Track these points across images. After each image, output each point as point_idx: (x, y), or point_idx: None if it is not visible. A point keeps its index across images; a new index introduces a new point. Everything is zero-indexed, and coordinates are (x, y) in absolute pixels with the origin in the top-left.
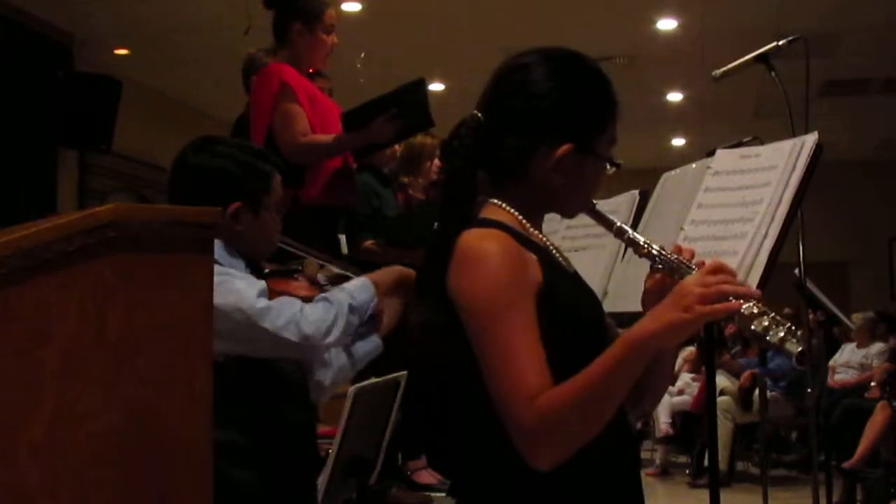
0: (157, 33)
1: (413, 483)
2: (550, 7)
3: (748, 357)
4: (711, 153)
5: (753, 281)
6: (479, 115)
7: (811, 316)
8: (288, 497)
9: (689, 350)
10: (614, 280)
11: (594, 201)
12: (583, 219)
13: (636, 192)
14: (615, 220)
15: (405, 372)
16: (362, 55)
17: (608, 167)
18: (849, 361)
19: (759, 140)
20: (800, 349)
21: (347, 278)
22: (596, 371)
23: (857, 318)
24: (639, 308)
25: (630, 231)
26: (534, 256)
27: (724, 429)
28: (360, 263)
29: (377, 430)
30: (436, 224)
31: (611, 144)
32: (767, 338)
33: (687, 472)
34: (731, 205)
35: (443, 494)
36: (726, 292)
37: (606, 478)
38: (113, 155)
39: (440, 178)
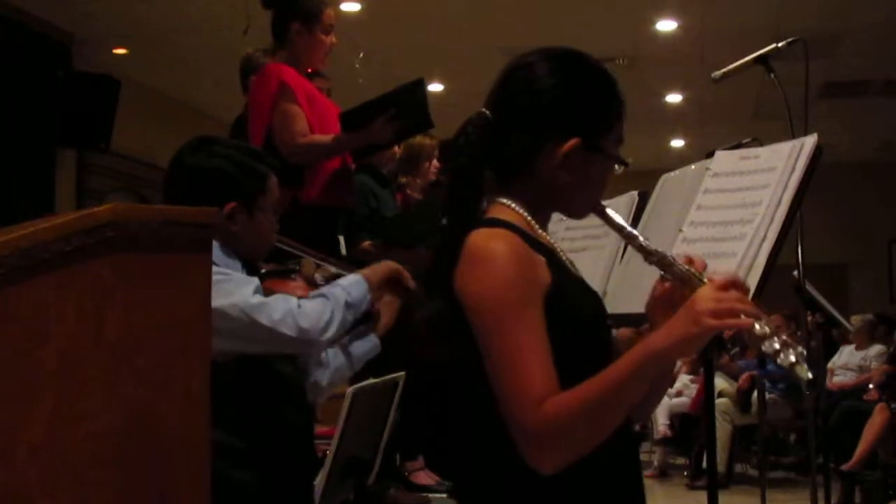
0: (156, 33)
1: (411, 484)
2: (550, 7)
3: (746, 359)
4: (711, 154)
5: (752, 283)
6: (487, 112)
7: (810, 318)
8: (285, 497)
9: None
10: (613, 281)
11: (603, 203)
12: (582, 220)
13: (635, 193)
14: (625, 224)
15: (403, 373)
16: (361, 55)
17: (616, 167)
18: (847, 363)
19: (758, 141)
20: (809, 376)
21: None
22: (606, 380)
23: (856, 320)
24: (637, 309)
25: (641, 237)
26: (542, 258)
27: (722, 431)
28: (359, 264)
29: (375, 430)
30: (442, 222)
31: (618, 144)
32: (778, 360)
33: (685, 473)
34: (730, 206)
35: (441, 495)
36: (738, 309)
37: (609, 479)
38: (111, 154)
39: (440, 177)
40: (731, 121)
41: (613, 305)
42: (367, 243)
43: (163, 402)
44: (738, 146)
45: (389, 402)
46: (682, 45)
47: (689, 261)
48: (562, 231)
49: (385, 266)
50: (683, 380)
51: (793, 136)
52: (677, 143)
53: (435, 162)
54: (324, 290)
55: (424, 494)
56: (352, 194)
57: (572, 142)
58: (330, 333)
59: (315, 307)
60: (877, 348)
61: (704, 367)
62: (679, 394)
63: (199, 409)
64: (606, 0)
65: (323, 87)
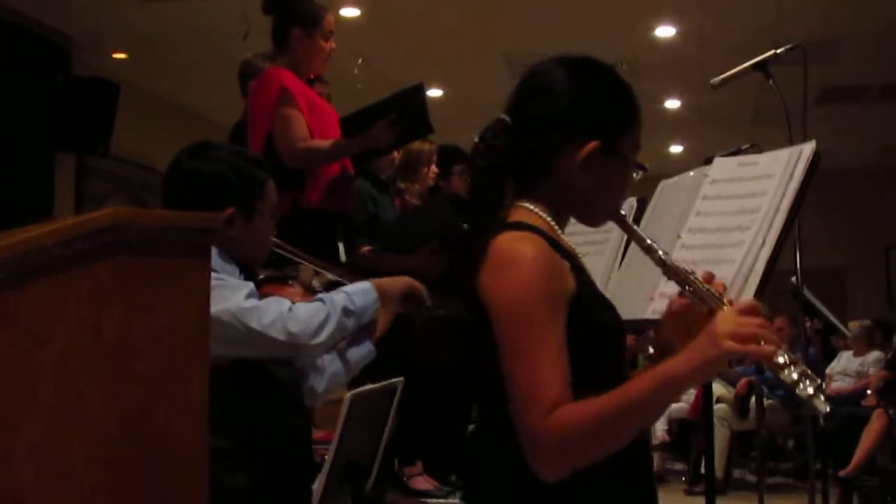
0: (155, 37)
1: (409, 489)
2: (549, 14)
3: (745, 365)
4: (709, 161)
5: (751, 289)
6: (506, 118)
7: (808, 324)
8: (283, 503)
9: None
10: (611, 288)
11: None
12: (582, 226)
13: (633, 199)
14: (645, 236)
15: (401, 378)
16: (360, 61)
17: (634, 173)
18: (845, 369)
19: (757, 147)
20: (827, 409)
21: (343, 285)
22: (622, 398)
23: (854, 326)
24: (634, 316)
25: (661, 251)
26: (566, 264)
27: (720, 436)
28: (357, 269)
29: (373, 435)
30: (464, 227)
31: (635, 149)
32: (796, 391)
33: (683, 479)
34: (729, 213)
35: (439, 500)
36: (759, 335)
37: (622, 487)
38: (111, 158)
39: (438, 183)
40: (730, 126)
41: None
42: (365, 249)
43: (161, 406)
44: (737, 152)
45: (388, 407)
46: (681, 51)
47: (710, 279)
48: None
49: (403, 281)
50: None
51: (791, 142)
52: (676, 148)
53: (433, 167)
54: (324, 294)
55: (423, 499)
56: (351, 200)
57: (592, 144)
58: (321, 338)
59: (307, 311)
60: (875, 354)
61: None
62: (677, 399)
63: (197, 413)
64: (606, 6)
65: (324, 93)
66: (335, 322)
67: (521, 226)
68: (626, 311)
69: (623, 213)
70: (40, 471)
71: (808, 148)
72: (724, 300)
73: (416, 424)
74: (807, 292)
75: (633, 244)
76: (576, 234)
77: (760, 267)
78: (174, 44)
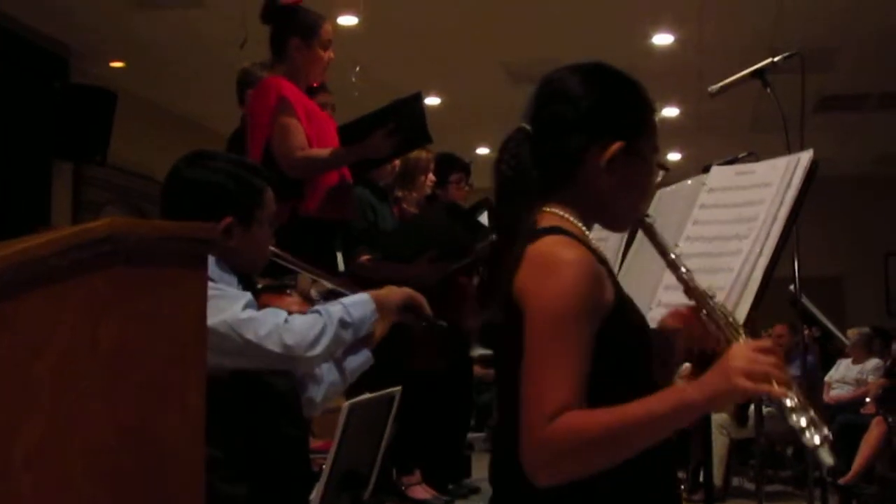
0: (152, 46)
1: (407, 498)
2: (547, 22)
3: None
4: (707, 169)
5: (748, 298)
6: (526, 126)
7: (806, 332)
8: None
9: (685, 366)
10: None
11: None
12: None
13: None
14: (671, 252)
15: (400, 387)
16: (357, 69)
17: (657, 174)
18: (844, 377)
19: (754, 155)
20: (831, 462)
21: (341, 294)
22: (627, 417)
23: (853, 333)
24: None
25: (683, 268)
26: (604, 270)
27: (719, 444)
28: (356, 278)
29: (371, 444)
30: (492, 237)
31: (654, 151)
32: (803, 439)
33: (682, 487)
34: (727, 221)
35: None
36: (772, 375)
37: (645, 486)
38: (108, 167)
39: (436, 191)
40: (728, 134)
41: None
42: (364, 257)
43: (158, 417)
44: (735, 160)
45: (386, 416)
46: (679, 58)
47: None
48: None
49: (402, 291)
50: None
51: (789, 150)
52: (674, 156)
53: (431, 175)
54: (320, 306)
55: None
56: (350, 208)
57: (615, 145)
58: (317, 350)
59: (303, 323)
60: (874, 362)
61: None
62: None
63: (195, 423)
64: (604, 14)
65: (327, 102)
66: (332, 334)
67: (557, 230)
68: None
69: (650, 220)
70: (37, 481)
71: (806, 156)
72: (741, 332)
73: (415, 433)
74: (805, 300)
75: (630, 251)
76: None
77: (758, 275)
78: (171, 52)
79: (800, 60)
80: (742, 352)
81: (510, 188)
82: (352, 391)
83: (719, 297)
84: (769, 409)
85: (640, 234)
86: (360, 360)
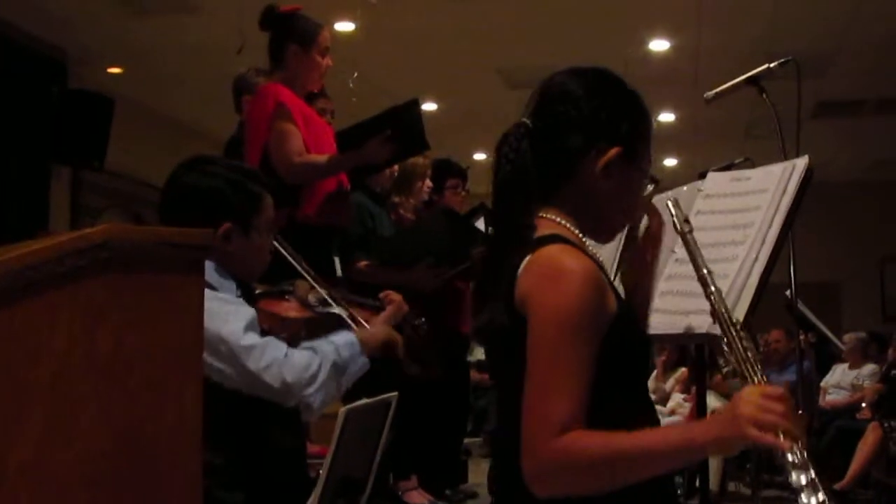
0: (150, 52)
1: (404, 503)
2: (544, 28)
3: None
4: (703, 175)
5: (744, 304)
6: (528, 122)
7: (802, 337)
8: None
9: (681, 371)
10: None
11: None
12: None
13: None
14: (706, 269)
15: (396, 392)
16: (355, 75)
17: (647, 183)
18: (840, 382)
19: (750, 161)
20: None
21: (337, 301)
22: (634, 445)
23: (849, 338)
24: None
25: (713, 286)
26: (605, 278)
27: None
28: (354, 284)
29: (368, 450)
30: (490, 231)
31: (649, 164)
32: (799, 497)
33: (678, 492)
34: (722, 227)
35: None
36: (780, 427)
37: (645, 495)
38: (106, 172)
39: (433, 197)
40: (724, 140)
41: None
42: (362, 263)
43: (154, 423)
44: (731, 166)
45: (382, 421)
46: (675, 64)
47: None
48: None
49: (383, 332)
50: (677, 399)
51: (785, 156)
52: (670, 161)
53: (428, 181)
54: (315, 344)
55: None
56: (347, 214)
57: (613, 150)
58: (313, 389)
59: (301, 360)
60: (870, 368)
61: (696, 387)
62: (672, 413)
63: (191, 429)
64: (600, 21)
65: (326, 108)
66: (326, 374)
67: (557, 238)
68: None
69: (689, 231)
70: (34, 488)
71: (802, 163)
72: (758, 372)
73: (411, 438)
74: (801, 305)
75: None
76: None
77: (754, 281)
78: (169, 58)
79: (795, 66)
80: (753, 398)
81: (509, 182)
82: (349, 397)
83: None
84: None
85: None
86: (356, 366)
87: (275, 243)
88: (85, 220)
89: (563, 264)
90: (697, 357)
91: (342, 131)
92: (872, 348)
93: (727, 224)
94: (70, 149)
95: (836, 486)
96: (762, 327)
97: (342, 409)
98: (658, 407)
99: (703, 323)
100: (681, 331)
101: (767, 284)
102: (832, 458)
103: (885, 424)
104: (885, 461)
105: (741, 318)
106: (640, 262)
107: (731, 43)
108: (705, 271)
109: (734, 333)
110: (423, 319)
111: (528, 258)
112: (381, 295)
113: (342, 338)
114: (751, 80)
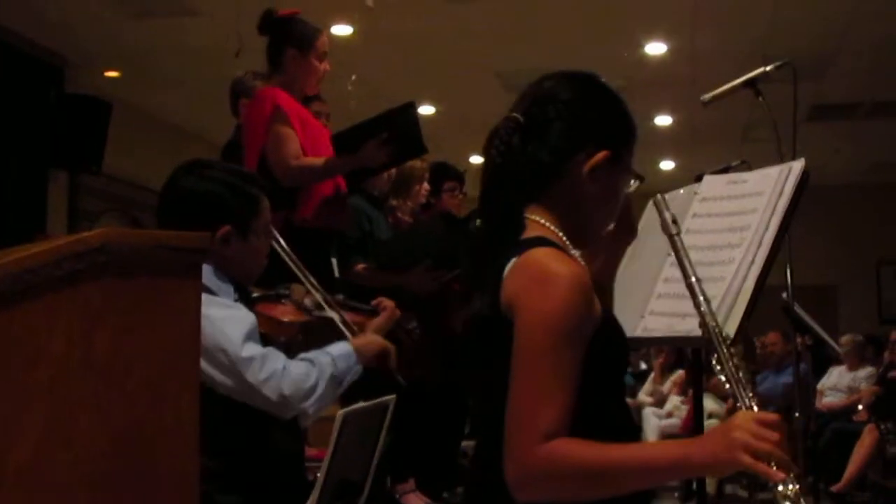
0: (147, 56)
1: None
2: (540, 31)
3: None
4: (699, 178)
5: (741, 307)
6: (518, 116)
7: (799, 340)
8: None
9: (678, 373)
10: None
11: None
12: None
13: None
14: (692, 273)
15: (394, 395)
16: (353, 78)
17: (631, 183)
18: (836, 385)
19: (747, 164)
20: None
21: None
22: (626, 459)
23: (846, 340)
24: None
25: (702, 296)
26: (591, 282)
27: None
28: (351, 287)
29: (366, 453)
30: (478, 222)
31: (630, 171)
32: None
33: (676, 495)
34: (719, 230)
35: None
36: (773, 456)
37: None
38: (103, 176)
39: (430, 200)
40: (721, 143)
41: None
42: (360, 266)
43: (151, 426)
44: (727, 169)
45: (380, 424)
46: (672, 68)
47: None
48: None
49: (377, 343)
50: (674, 401)
51: (782, 159)
52: (667, 164)
53: (425, 185)
54: (312, 356)
55: None
56: (346, 218)
57: (601, 154)
58: (310, 402)
59: (299, 373)
60: (867, 370)
61: (693, 389)
62: (669, 415)
63: (188, 432)
64: (597, 24)
65: (321, 111)
66: (324, 387)
67: (544, 241)
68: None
69: (676, 233)
70: (31, 491)
71: (798, 165)
72: (748, 393)
73: (409, 441)
74: (798, 308)
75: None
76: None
77: (750, 285)
78: (166, 62)
79: (791, 69)
80: (747, 424)
81: (499, 175)
82: (346, 400)
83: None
84: None
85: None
86: (352, 376)
87: (274, 244)
88: (83, 225)
89: (550, 268)
90: (694, 359)
91: (338, 134)
92: (869, 351)
93: (724, 227)
94: (68, 153)
95: (833, 489)
96: (759, 330)
97: (340, 413)
98: (655, 409)
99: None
100: (678, 334)
101: (764, 287)
102: (829, 461)
103: (882, 426)
104: (881, 463)
105: (734, 330)
106: (607, 261)
107: (727, 46)
108: (693, 279)
109: (725, 351)
110: (416, 324)
111: (513, 260)
112: (374, 302)
113: (339, 349)
114: (747, 83)
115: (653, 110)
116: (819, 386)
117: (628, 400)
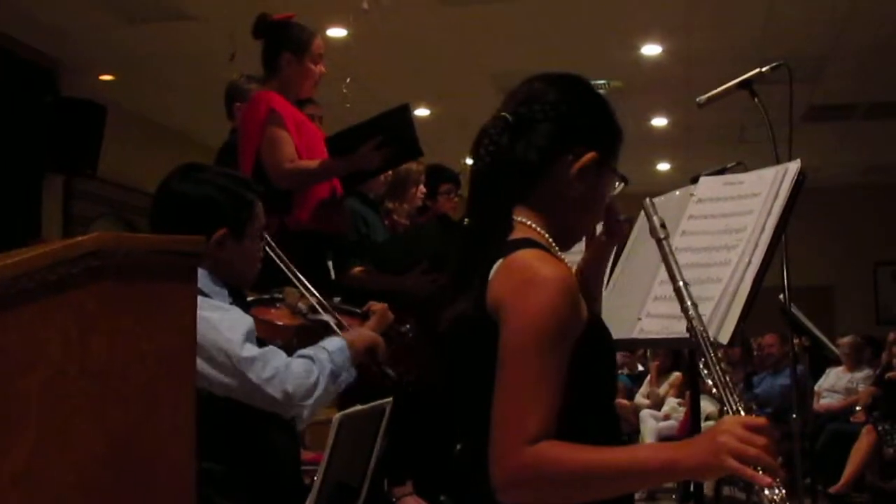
0: (142, 59)
1: None
2: (536, 33)
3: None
4: (695, 179)
5: (737, 308)
6: (507, 116)
7: (796, 341)
8: None
9: (675, 375)
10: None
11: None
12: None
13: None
14: (680, 277)
15: (390, 398)
16: (348, 80)
17: (616, 185)
18: (834, 386)
19: (742, 165)
20: None
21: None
22: (611, 461)
23: (845, 341)
24: (623, 335)
25: (690, 301)
26: (577, 287)
27: None
28: (348, 290)
29: (363, 457)
30: (466, 220)
31: (616, 173)
32: None
33: (673, 497)
34: (715, 232)
35: None
36: (761, 461)
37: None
38: (98, 180)
39: (427, 203)
40: (717, 144)
41: None
42: (357, 269)
43: (147, 430)
44: (723, 170)
45: (376, 428)
46: (667, 69)
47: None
48: None
49: (368, 337)
50: (671, 403)
51: (777, 160)
52: (663, 166)
53: (421, 187)
54: (311, 352)
55: None
56: (342, 221)
57: (590, 155)
58: (312, 399)
59: (302, 370)
60: (864, 372)
61: (690, 391)
62: (667, 417)
63: (184, 436)
64: (593, 25)
65: (315, 115)
66: (325, 384)
67: (530, 243)
68: (615, 331)
69: (664, 237)
70: (28, 495)
71: (794, 167)
72: (736, 399)
73: (406, 444)
74: (795, 309)
75: (619, 264)
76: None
77: (747, 286)
78: (161, 66)
79: (787, 70)
80: (735, 429)
81: (488, 174)
82: (343, 403)
83: (708, 308)
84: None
85: (629, 246)
86: (348, 373)
87: (266, 249)
88: (78, 229)
89: (538, 271)
90: (691, 361)
91: (333, 136)
92: (866, 352)
93: (720, 228)
94: (62, 156)
95: (831, 490)
96: (756, 331)
97: (336, 416)
98: (653, 411)
99: None
100: (676, 335)
101: (761, 288)
102: (826, 462)
103: (880, 428)
104: (879, 464)
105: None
106: (595, 263)
107: (723, 47)
108: (681, 283)
109: (712, 356)
110: (410, 327)
111: (500, 261)
112: (365, 308)
113: (333, 344)
114: (743, 85)
115: (649, 112)
116: (816, 387)
117: (626, 402)
